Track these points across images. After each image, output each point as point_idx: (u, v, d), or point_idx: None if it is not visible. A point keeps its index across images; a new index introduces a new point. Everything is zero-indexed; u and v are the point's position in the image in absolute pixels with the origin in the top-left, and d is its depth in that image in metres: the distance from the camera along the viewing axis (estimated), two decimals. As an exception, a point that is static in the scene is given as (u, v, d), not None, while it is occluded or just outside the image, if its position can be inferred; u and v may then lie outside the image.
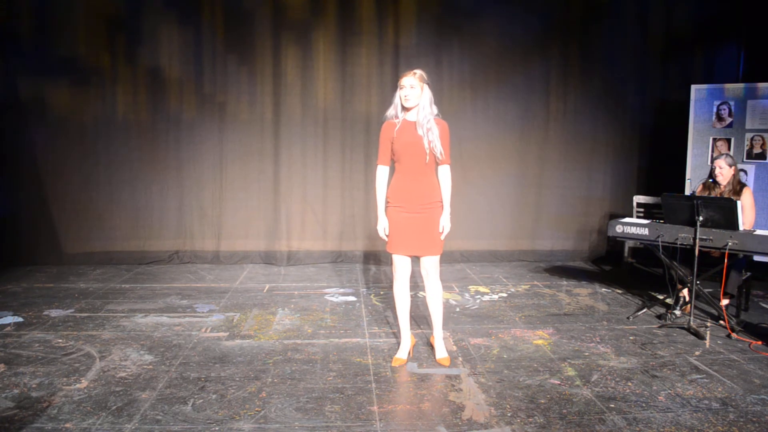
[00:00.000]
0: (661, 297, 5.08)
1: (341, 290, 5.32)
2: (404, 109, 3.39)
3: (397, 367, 3.51)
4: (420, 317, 4.48)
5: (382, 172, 3.50)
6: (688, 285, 4.37)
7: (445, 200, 3.47)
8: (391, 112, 3.43)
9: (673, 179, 6.14)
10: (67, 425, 2.77)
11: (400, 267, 3.49)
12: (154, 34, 6.14)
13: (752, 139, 5.74)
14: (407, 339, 3.66)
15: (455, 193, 6.49)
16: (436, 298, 3.56)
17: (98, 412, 2.90)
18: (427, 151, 3.34)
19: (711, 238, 4.08)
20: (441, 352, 3.61)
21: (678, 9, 6.59)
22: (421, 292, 5.14)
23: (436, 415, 2.90)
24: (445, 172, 3.46)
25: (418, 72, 3.34)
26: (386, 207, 3.48)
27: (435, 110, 3.39)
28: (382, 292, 5.24)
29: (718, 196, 4.48)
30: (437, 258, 3.49)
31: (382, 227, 3.48)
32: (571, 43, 6.55)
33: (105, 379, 3.28)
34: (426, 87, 3.36)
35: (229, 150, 6.34)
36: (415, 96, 3.32)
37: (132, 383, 3.24)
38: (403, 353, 3.61)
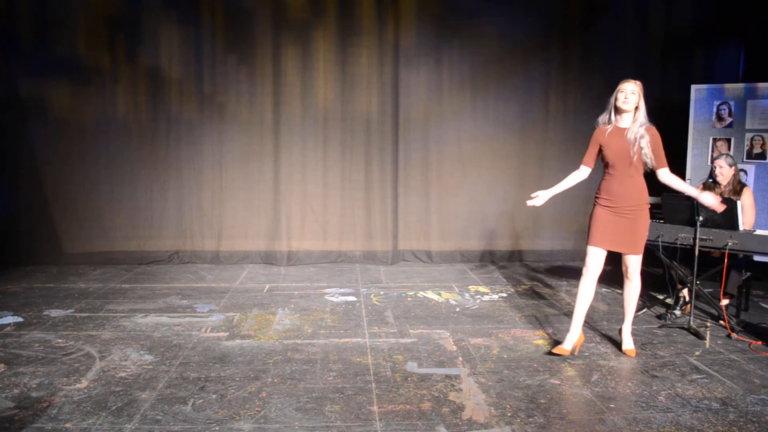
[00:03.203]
0: (661, 297, 5.08)
1: (341, 290, 5.32)
2: (618, 112, 3.55)
3: (556, 354, 3.64)
4: (418, 318, 4.48)
5: (580, 171, 3.78)
6: (688, 285, 4.37)
7: (688, 189, 3.64)
8: (603, 117, 3.63)
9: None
10: (67, 425, 2.77)
11: (594, 260, 3.63)
12: (154, 34, 6.14)
13: (752, 139, 5.74)
14: (576, 332, 3.72)
15: (456, 192, 6.56)
16: (633, 291, 3.74)
17: (98, 412, 2.90)
18: (634, 157, 3.49)
19: (711, 238, 4.08)
20: (628, 344, 3.78)
21: (678, 9, 6.59)
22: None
23: (436, 415, 2.90)
24: (666, 175, 3.59)
25: (639, 82, 3.54)
26: (595, 202, 3.68)
27: (647, 121, 3.54)
28: (382, 292, 5.24)
29: (718, 196, 4.48)
30: (639, 257, 3.65)
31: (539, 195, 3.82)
32: (571, 43, 6.55)
33: (105, 379, 3.28)
34: (642, 98, 3.53)
35: (229, 150, 6.34)
36: (633, 101, 3.51)
37: (132, 383, 3.24)
38: (568, 345, 3.69)
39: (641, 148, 3.48)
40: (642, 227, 3.59)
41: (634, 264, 3.65)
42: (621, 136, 3.54)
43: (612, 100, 3.58)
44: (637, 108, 3.52)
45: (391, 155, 6.43)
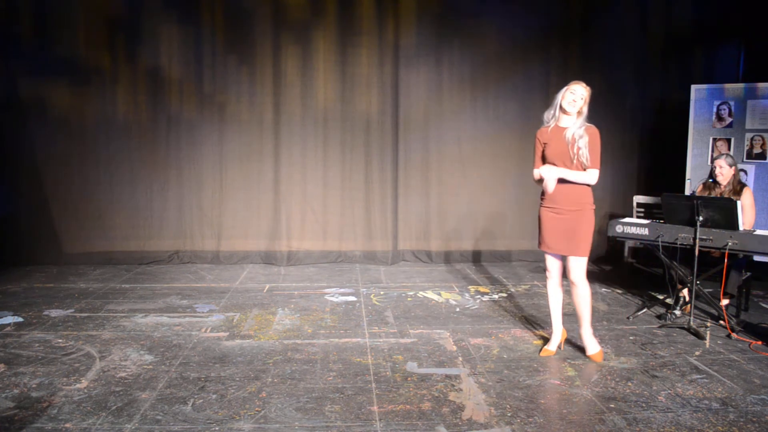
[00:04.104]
0: (661, 297, 5.08)
1: (341, 290, 5.32)
2: (563, 111, 3.51)
3: (544, 357, 3.68)
4: (418, 318, 4.48)
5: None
6: (688, 285, 4.37)
7: (572, 175, 3.44)
8: (547, 114, 3.58)
9: (673, 179, 6.13)
10: (67, 425, 2.77)
11: (550, 264, 3.67)
12: (154, 34, 6.14)
13: (752, 139, 5.74)
14: (558, 333, 3.78)
15: (456, 192, 6.56)
16: (579, 297, 3.59)
17: (98, 412, 2.90)
18: (573, 158, 3.45)
19: (711, 238, 4.08)
20: (592, 348, 3.67)
21: (678, 9, 6.58)
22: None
23: (436, 415, 2.90)
24: (589, 173, 3.46)
25: (589, 89, 3.53)
26: (540, 207, 3.63)
27: (585, 122, 3.50)
28: (382, 292, 5.24)
29: (718, 196, 4.48)
30: (582, 259, 3.53)
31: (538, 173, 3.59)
32: (571, 43, 6.55)
33: (105, 379, 3.28)
34: (587, 105, 3.50)
35: (229, 150, 6.35)
36: (579, 105, 3.48)
37: (132, 383, 3.24)
38: (552, 346, 3.76)
39: (579, 149, 3.43)
40: (583, 229, 3.49)
41: (575, 267, 3.51)
42: (561, 135, 3.49)
43: (558, 97, 3.53)
44: (579, 113, 3.49)
45: (391, 155, 6.43)
